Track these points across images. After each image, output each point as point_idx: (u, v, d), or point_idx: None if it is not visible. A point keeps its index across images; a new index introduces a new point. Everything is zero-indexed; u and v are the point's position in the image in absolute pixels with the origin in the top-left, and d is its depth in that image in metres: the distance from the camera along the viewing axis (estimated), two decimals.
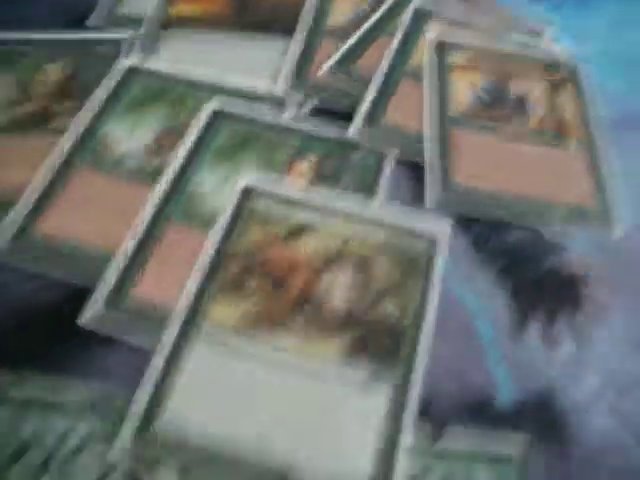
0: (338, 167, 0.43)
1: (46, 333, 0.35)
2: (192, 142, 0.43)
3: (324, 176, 0.42)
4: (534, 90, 0.49)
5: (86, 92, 0.46)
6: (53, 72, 0.48)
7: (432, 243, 0.39)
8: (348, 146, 0.44)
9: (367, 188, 0.42)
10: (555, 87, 0.50)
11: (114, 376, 0.34)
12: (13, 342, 0.35)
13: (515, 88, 0.49)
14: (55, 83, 0.47)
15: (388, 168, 0.43)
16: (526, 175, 0.44)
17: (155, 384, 0.33)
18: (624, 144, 0.46)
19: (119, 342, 0.35)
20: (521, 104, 0.48)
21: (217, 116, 0.45)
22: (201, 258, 0.37)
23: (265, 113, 0.45)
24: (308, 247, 0.38)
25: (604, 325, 0.38)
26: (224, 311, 0.35)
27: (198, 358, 0.34)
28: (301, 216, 0.39)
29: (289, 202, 0.40)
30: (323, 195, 0.41)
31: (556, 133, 0.47)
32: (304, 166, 0.43)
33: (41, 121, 0.44)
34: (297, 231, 0.39)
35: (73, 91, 0.47)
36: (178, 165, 0.42)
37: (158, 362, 0.34)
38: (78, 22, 0.51)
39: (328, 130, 0.44)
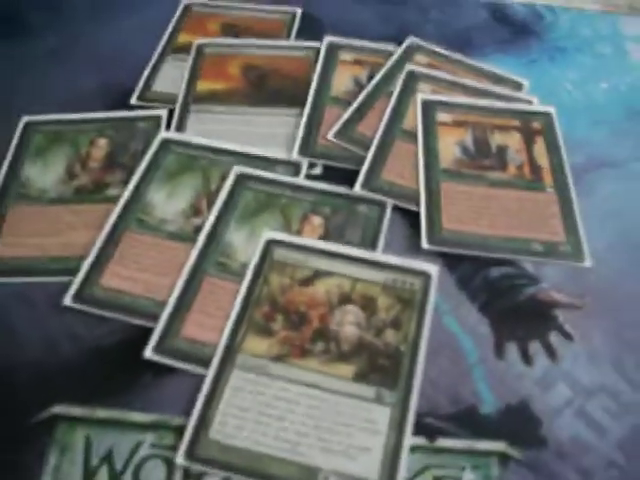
0: (346, 219, 0.51)
1: (112, 370, 0.44)
2: (222, 203, 0.51)
3: (335, 227, 0.50)
4: (513, 141, 0.57)
5: (133, 162, 0.55)
6: (103, 144, 0.57)
7: (426, 279, 0.47)
8: (354, 200, 0.52)
9: (371, 234, 0.50)
10: (531, 137, 0.57)
11: (171, 402, 0.42)
12: (86, 381, 0.43)
13: (496, 140, 0.57)
14: (105, 155, 0.56)
15: (387, 217, 0.51)
16: (506, 217, 0.52)
17: (204, 403, 0.41)
18: (587, 184, 0.54)
19: (173, 375, 0.43)
20: (502, 154, 0.56)
21: (242, 178, 0.53)
22: (235, 303, 0.46)
23: (282, 175, 0.54)
24: (322, 288, 0.46)
25: (573, 345, 0.45)
26: (256, 345, 0.44)
27: (236, 381, 0.42)
28: (316, 263, 0.47)
29: (305, 251, 0.48)
30: (333, 245, 0.49)
31: (533, 178, 0.54)
32: (318, 219, 0.51)
33: (97, 190, 0.53)
34: (313, 276, 0.47)
35: (122, 162, 0.55)
36: (210, 225, 0.50)
37: (205, 387, 0.42)
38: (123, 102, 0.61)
39: (337, 188, 0.53)
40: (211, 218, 0.50)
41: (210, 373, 0.42)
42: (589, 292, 0.48)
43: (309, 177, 0.54)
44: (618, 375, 0.44)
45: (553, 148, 0.57)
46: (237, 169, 0.54)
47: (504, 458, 0.40)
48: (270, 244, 0.49)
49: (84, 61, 0.66)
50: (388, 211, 0.52)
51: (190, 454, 0.39)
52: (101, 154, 0.56)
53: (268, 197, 0.52)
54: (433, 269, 0.47)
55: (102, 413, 0.42)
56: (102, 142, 0.57)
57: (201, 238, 0.49)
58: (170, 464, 0.40)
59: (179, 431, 0.41)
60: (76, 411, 0.42)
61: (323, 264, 0.48)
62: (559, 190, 0.54)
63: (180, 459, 0.39)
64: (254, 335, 0.44)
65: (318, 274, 0.47)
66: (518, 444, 0.41)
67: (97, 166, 0.55)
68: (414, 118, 0.58)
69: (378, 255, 0.48)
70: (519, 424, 0.42)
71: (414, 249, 0.49)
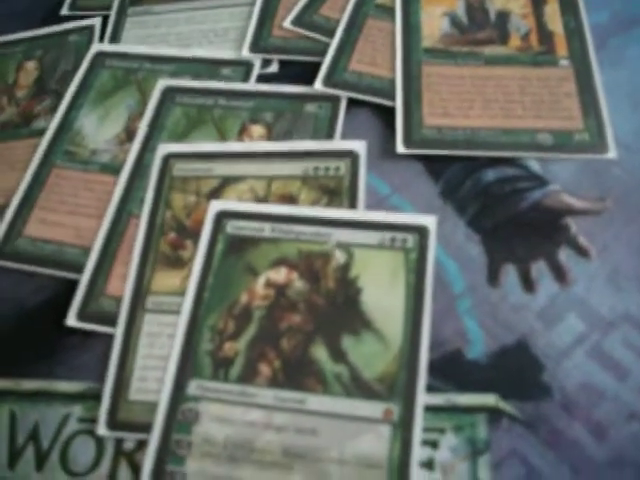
0: (292, 122, 0.42)
1: (37, 335, 0.38)
2: (146, 126, 0.43)
3: (279, 134, 0.41)
4: (517, 4, 0.45)
5: (63, 85, 0.47)
6: (31, 68, 0.49)
7: (353, 159, 0.38)
8: (301, 99, 0.42)
9: (323, 137, 0.41)
10: None
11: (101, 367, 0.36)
12: (9, 350, 0.38)
13: (496, 5, 0.45)
14: (34, 81, 0.48)
15: (341, 113, 0.41)
16: (505, 102, 0.41)
17: (118, 360, 0.35)
18: (613, 51, 0.42)
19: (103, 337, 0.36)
20: (503, 23, 0.45)
21: (169, 93, 0.44)
22: (137, 237, 0.38)
23: (220, 82, 0.44)
24: (233, 197, 0.38)
25: (590, 262, 0.36)
26: (167, 280, 0.37)
27: (150, 327, 0.36)
28: (222, 169, 0.39)
29: (208, 159, 0.40)
30: (238, 144, 0.40)
31: (542, 49, 0.43)
32: (258, 129, 0.42)
33: (23, 124, 0.46)
34: (221, 185, 0.39)
35: (51, 87, 0.47)
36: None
37: (116, 343, 0.36)
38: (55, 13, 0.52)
39: (281, 87, 0.43)
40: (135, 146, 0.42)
41: (119, 325, 0.36)
42: (611, 193, 0.38)
43: (264, 77, 0.45)
44: None
45: (569, 8, 0.45)
46: (162, 83, 0.45)
47: (495, 415, 0.32)
48: (168, 159, 0.41)
49: None
50: (342, 106, 0.42)
51: (111, 422, 0.34)
52: (30, 80, 0.48)
53: (199, 111, 0.43)
54: (358, 145, 0.39)
55: (27, 384, 0.36)
56: (30, 65, 0.49)
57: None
58: (99, 439, 0.34)
59: None
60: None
61: (231, 169, 0.39)
62: (576, 61, 0.42)
63: (101, 430, 0.34)
64: (164, 269, 0.37)
65: (227, 181, 0.39)
66: (513, 396, 0.33)
67: (26, 95, 0.48)
68: None
69: (292, 143, 0.40)
70: (515, 370, 0.33)
71: (388, 156, 0.40)
